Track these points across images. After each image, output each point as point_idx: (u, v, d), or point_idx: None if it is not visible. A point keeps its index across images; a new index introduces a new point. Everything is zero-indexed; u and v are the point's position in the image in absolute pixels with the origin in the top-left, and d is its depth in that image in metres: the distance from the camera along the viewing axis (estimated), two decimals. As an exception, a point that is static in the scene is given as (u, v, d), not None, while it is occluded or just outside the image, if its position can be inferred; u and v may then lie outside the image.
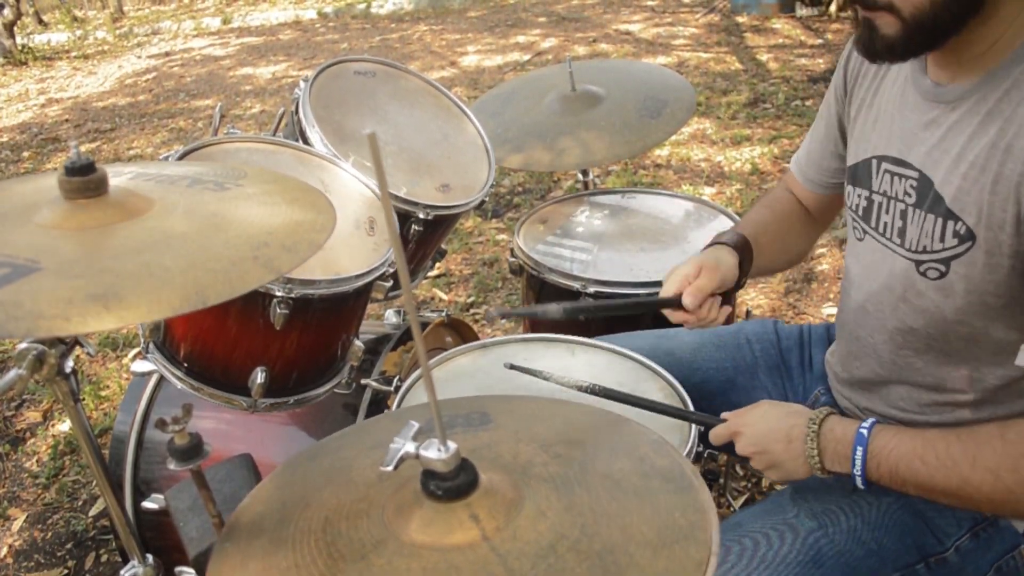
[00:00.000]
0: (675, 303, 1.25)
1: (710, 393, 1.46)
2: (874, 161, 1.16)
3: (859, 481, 1.05)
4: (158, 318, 0.67)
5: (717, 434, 1.19)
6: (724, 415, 1.20)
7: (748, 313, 2.13)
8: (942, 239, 1.03)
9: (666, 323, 1.74)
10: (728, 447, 1.19)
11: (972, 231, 0.99)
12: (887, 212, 1.13)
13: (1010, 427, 0.97)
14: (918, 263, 1.07)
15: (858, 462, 1.04)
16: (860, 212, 1.20)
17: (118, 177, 0.89)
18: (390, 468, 0.70)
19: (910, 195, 1.08)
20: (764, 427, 1.13)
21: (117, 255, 0.75)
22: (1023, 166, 0.92)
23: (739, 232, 1.36)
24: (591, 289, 1.74)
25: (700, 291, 1.24)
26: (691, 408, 1.29)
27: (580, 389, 1.23)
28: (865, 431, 1.05)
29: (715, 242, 1.34)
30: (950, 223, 1.01)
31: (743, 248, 1.33)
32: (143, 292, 0.69)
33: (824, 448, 1.08)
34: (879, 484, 1.05)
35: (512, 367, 1.28)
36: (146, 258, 0.74)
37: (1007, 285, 0.98)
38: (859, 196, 1.20)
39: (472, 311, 3.11)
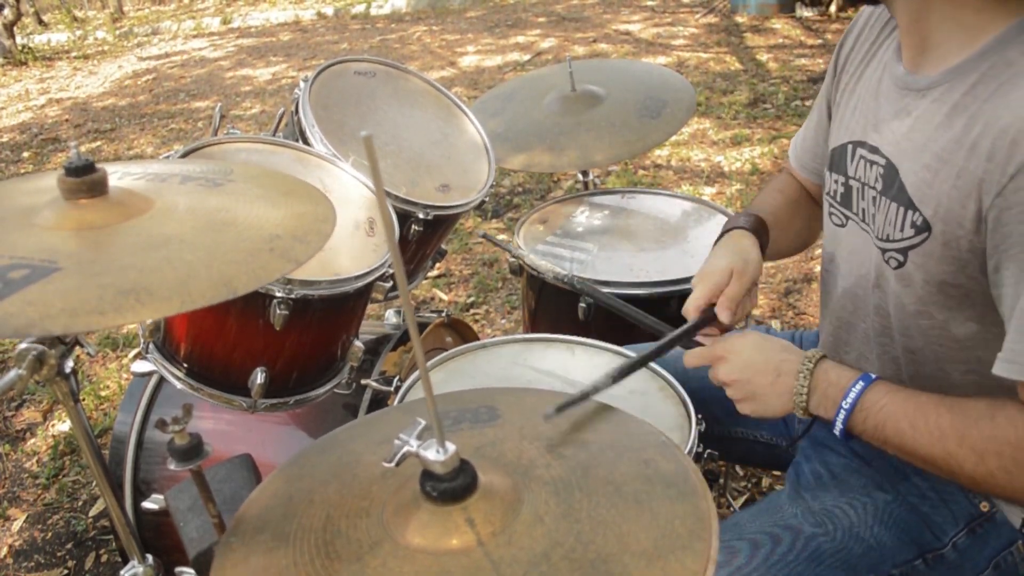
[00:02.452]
0: (710, 319, 1.17)
1: (705, 400, 1.44)
2: (850, 146, 1.16)
3: (838, 427, 1.03)
4: (192, 308, 0.67)
5: (694, 355, 1.17)
6: (705, 340, 1.18)
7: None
8: (901, 228, 1.02)
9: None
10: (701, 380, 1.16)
11: (928, 222, 0.98)
12: (863, 198, 1.13)
13: (1000, 409, 0.95)
14: (883, 251, 1.07)
15: (843, 411, 1.03)
16: (838, 198, 1.19)
17: (109, 176, 0.89)
18: (392, 464, 0.70)
19: (879, 182, 1.08)
20: (752, 357, 1.11)
21: (134, 252, 0.75)
22: (986, 163, 0.91)
23: (754, 213, 1.32)
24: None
25: (733, 302, 1.19)
26: (688, 402, 1.28)
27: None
28: (863, 382, 1.03)
29: (732, 226, 1.30)
30: (909, 213, 1.01)
31: (761, 230, 1.28)
32: (172, 285, 0.69)
33: (815, 388, 1.06)
34: (860, 437, 1.04)
35: (560, 408, 0.95)
36: (164, 253, 0.74)
37: (964, 276, 0.98)
38: (835, 181, 1.20)
39: (472, 311, 3.11)
